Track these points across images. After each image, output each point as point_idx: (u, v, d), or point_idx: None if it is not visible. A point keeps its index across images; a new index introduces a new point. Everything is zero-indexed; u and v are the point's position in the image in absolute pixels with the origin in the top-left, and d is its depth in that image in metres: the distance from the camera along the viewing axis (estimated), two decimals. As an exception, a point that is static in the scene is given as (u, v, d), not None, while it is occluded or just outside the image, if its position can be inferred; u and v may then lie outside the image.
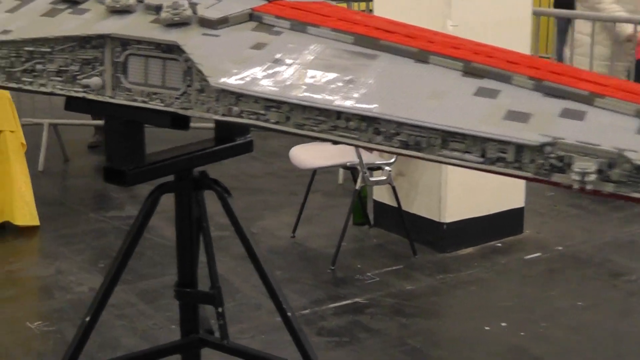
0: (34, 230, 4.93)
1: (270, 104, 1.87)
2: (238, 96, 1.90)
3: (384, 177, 4.45)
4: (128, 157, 2.36)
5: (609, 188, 1.54)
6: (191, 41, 2.05)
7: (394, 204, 4.79)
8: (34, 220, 4.92)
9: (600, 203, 5.57)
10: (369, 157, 4.41)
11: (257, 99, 1.88)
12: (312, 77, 1.90)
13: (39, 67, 2.18)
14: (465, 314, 3.95)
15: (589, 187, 1.54)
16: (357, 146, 1.88)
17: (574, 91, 1.70)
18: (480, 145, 1.70)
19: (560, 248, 4.80)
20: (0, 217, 4.89)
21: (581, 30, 6.06)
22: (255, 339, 3.57)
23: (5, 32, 2.20)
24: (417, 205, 4.69)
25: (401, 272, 4.38)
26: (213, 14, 2.11)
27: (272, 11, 2.15)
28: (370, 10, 6.24)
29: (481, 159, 1.71)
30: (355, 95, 1.83)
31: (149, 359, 2.83)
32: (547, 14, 6.96)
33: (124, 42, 2.12)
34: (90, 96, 2.18)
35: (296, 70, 1.93)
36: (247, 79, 1.91)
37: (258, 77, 1.91)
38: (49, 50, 2.17)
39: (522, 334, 3.74)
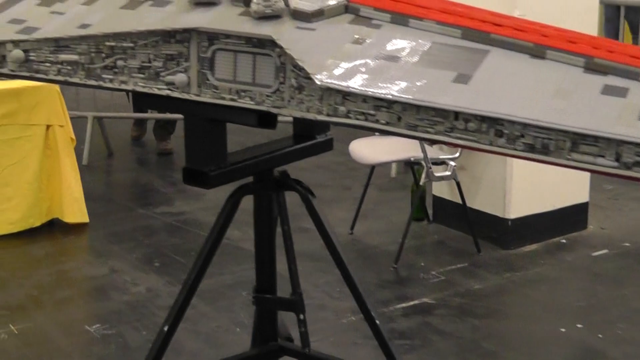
0: (83, 228, 4.83)
1: (381, 103, 1.74)
2: (345, 95, 1.77)
3: (449, 173, 4.31)
4: (209, 157, 2.24)
5: None
6: (286, 35, 1.91)
7: (454, 199, 4.67)
8: (84, 217, 4.83)
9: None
10: (432, 152, 4.28)
11: (365, 98, 1.75)
12: (422, 74, 1.77)
13: (120, 63, 2.06)
14: (538, 314, 3.80)
15: None
16: (476, 149, 1.73)
17: None
18: (615, 148, 1.56)
19: (627, 244, 4.64)
20: (50, 214, 4.80)
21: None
22: (323, 342, 3.44)
23: (84, 26, 2.07)
24: (480, 201, 4.55)
25: (466, 270, 4.24)
26: (307, 6, 1.97)
27: (368, 2, 2.01)
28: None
29: (616, 163, 1.57)
30: (472, 94, 1.70)
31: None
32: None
33: (212, 37, 1.99)
34: (175, 94, 2.06)
35: (405, 67, 1.79)
36: (353, 76, 1.78)
37: (364, 75, 1.78)
38: (131, 45, 2.05)
39: (599, 336, 3.59)
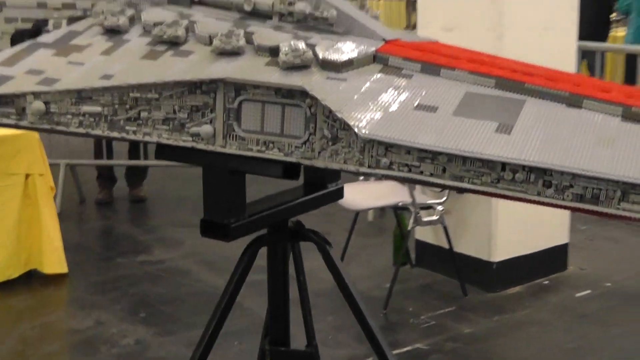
0: (62, 278, 4.70)
1: (425, 154, 1.70)
2: (388, 146, 1.73)
3: (436, 217, 4.29)
4: (230, 209, 2.18)
5: None
6: (318, 86, 1.87)
7: (438, 243, 4.66)
8: (63, 268, 4.70)
9: (633, 234, 5.47)
10: (419, 197, 4.26)
11: (409, 150, 1.71)
12: (463, 124, 1.74)
13: (144, 114, 2.00)
14: (533, 356, 3.79)
15: None
16: (523, 200, 1.70)
17: None
18: None
19: (608, 284, 4.66)
20: (28, 265, 4.66)
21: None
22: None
23: (107, 76, 2.01)
24: (465, 244, 4.54)
25: (455, 314, 4.21)
26: (336, 56, 1.94)
27: (395, 52, 1.99)
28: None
29: None
30: (517, 144, 1.67)
31: None
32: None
33: (239, 87, 1.94)
34: (200, 146, 2.00)
35: (444, 117, 1.76)
36: (395, 127, 1.74)
37: (406, 125, 1.74)
38: (156, 96, 1.99)
39: (595, 378, 3.59)
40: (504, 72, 1.90)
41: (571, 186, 1.62)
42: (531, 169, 1.64)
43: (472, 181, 1.69)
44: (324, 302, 4.27)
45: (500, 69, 1.93)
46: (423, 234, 4.80)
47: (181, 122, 1.99)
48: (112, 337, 3.96)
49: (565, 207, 1.67)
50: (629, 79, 7.01)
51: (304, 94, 1.88)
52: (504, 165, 1.66)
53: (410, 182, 1.79)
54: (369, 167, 1.76)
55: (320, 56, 1.93)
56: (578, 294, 4.52)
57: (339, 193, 2.55)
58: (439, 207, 4.29)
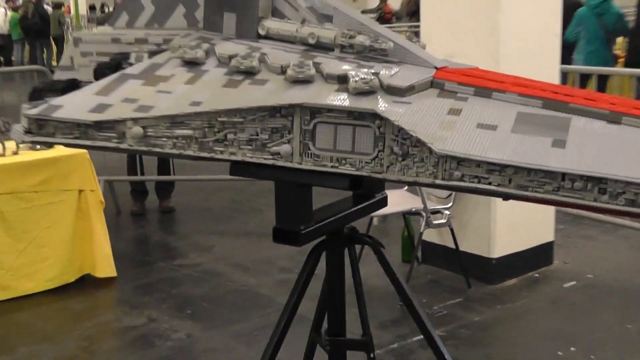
0: (111, 282, 4.66)
1: (494, 167, 1.70)
2: (460, 161, 1.72)
3: (444, 221, 4.29)
4: (299, 218, 2.16)
5: None
6: (388, 108, 1.86)
7: (443, 243, 4.65)
8: (113, 272, 4.66)
9: (606, 233, 5.48)
10: (429, 204, 4.26)
11: (479, 163, 1.70)
12: (523, 140, 1.73)
13: (230, 136, 1.98)
14: (537, 340, 3.79)
15: None
16: (579, 206, 1.69)
17: None
18: None
19: (590, 276, 4.68)
20: (82, 271, 4.62)
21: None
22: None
23: (195, 103, 2.00)
24: (468, 243, 4.53)
25: (463, 305, 4.21)
26: (399, 82, 1.93)
27: (448, 78, 1.99)
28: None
29: None
30: (573, 156, 1.67)
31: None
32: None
33: (314, 111, 1.93)
34: (280, 163, 1.98)
35: (504, 134, 1.76)
36: (464, 143, 1.73)
37: (474, 142, 1.74)
38: (240, 120, 1.97)
39: (592, 357, 3.59)
40: (547, 94, 1.91)
41: (624, 192, 1.62)
42: (589, 178, 1.63)
43: (535, 190, 1.69)
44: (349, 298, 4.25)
45: (543, 91, 1.93)
46: (428, 235, 4.78)
47: (263, 143, 1.98)
48: (165, 332, 3.93)
49: (618, 212, 1.67)
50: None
51: (374, 115, 1.87)
52: (563, 176, 1.65)
53: (477, 193, 1.77)
54: (443, 179, 1.76)
55: (385, 83, 1.92)
56: (565, 285, 4.52)
57: (385, 201, 2.53)
58: (447, 212, 4.29)
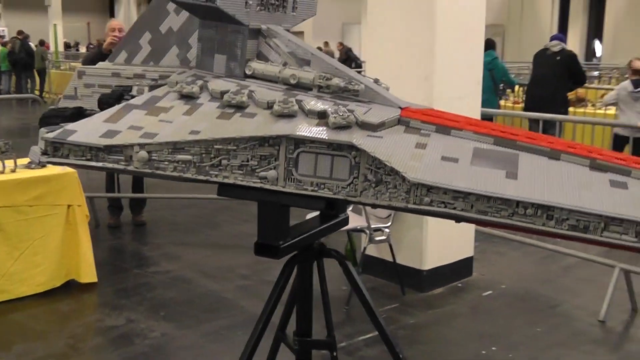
0: (93, 286, 4.49)
1: (458, 194, 1.69)
2: (429, 188, 1.70)
3: (384, 237, 4.27)
4: (278, 234, 2.10)
5: None
6: (362, 141, 1.83)
7: (380, 256, 4.63)
8: (94, 278, 4.49)
9: (514, 250, 5.56)
10: (372, 222, 4.23)
11: (446, 190, 1.69)
12: (481, 172, 1.73)
13: (224, 162, 1.93)
14: (464, 340, 3.80)
15: None
16: (530, 230, 1.68)
17: None
18: (634, 228, 1.56)
19: (503, 286, 4.73)
20: (68, 276, 4.45)
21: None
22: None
23: (194, 132, 1.94)
24: (402, 257, 4.53)
25: (399, 309, 4.20)
26: (372, 119, 1.91)
27: (413, 116, 1.98)
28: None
29: (635, 239, 1.57)
30: (524, 187, 1.67)
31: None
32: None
33: (298, 142, 1.89)
34: (267, 186, 1.93)
35: (465, 166, 1.75)
36: (432, 173, 1.72)
37: (440, 172, 1.72)
38: (234, 148, 1.92)
39: (510, 355, 3.61)
40: (497, 132, 1.91)
41: (567, 219, 1.62)
42: (539, 206, 1.63)
43: (493, 215, 1.68)
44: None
45: (492, 130, 1.94)
46: (368, 250, 4.76)
47: (252, 168, 1.93)
48: (143, 332, 3.80)
49: (561, 236, 1.67)
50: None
51: (351, 147, 1.85)
52: (517, 203, 1.65)
53: (441, 216, 1.75)
54: (414, 204, 1.74)
55: (360, 119, 1.90)
56: (484, 294, 4.56)
57: (347, 220, 2.50)
58: (387, 230, 4.28)
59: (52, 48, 22.72)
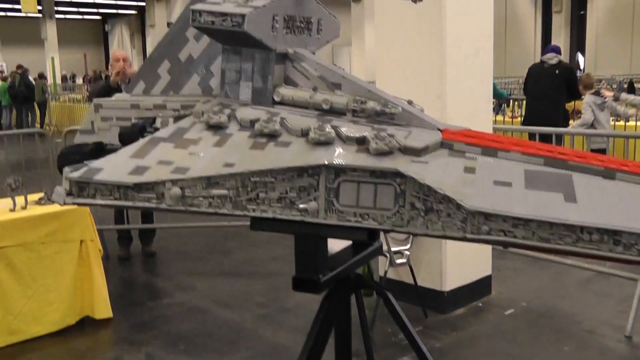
0: (108, 322, 4.32)
1: (518, 222, 1.55)
2: (487, 216, 1.57)
3: (405, 260, 4.13)
4: (318, 267, 1.96)
5: None
6: (409, 168, 1.70)
7: (397, 278, 4.49)
8: (109, 313, 4.32)
9: (529, 265, 5.43)
10: (391, 245, 4.10)
11: (505, 218, 1.55)
12: (538, 196, 1.60)
13: (262, 195, 1.79)
14: (493, 364, 3.64)
15: None
16: (594, 257, 1.55)
17: None
18: None
19: (524, 304, 4.58)
20: (82, 313, 4.28)
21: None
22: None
23: (229, 165, 1.80)
24: (422, 278, 4.39)
25: (423, 332, 4.04)
26: (415, 143, 1.78)
27: (455, 139, 1.85)
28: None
29: None
30: (588, 210, 1.54)
31: None
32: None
33: (338, 170, 1.76)
34: (307, 219, 1.79)
35: (520, 190, 1.62)
36: (489, 199, 1.58)
37: (496, 198, 1.59)
38: (272, 180, 1.78)
39: (542, 377, 3.46)
40: (544, 152, 1.78)
41: (636, 244, 1.49)
42: (605, 231, 1.50)
43: (556, 242, 1.54)
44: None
45: (539, 150, 1.81)
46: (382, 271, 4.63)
47: (291, 200, 1.79)
48: (164, 368, 3.63)
49: (630, 262, 1.54)
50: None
51: (396, 174, 1.71)
52: (582, 229, 1.52)
53: (500, 245, 1.61)
54: (472, 233, 1.60)
55: (402, 144, 1.77)
56: (506, 313, 4.41)
57: (381, 248, 2.37)
58: (406, 252, 4.14)
59: (50, 80, 22.67)
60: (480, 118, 4.41)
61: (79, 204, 1.85)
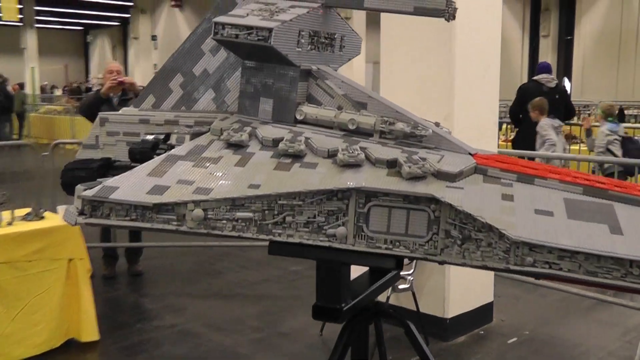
0: (95, 345, 4.18)
1: (564, 253, 1.50)
2: (531, 247, 1.52)
3: (408, 286, 4.07)
4: (341, 296, 1.89)
5: None
6: (445, 193, 1.65)
7: (398, 304, 4.42)
8: (96, 335, 4.19)
9: (528, 292, 5.39)
10: (394, 269, 4.03)
11: (551, 249, 1.50)
12: (582, 227, 1.55)
13: (289, 219, 1.72)
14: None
15: None
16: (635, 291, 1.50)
17: None
18: None
19: (527, 332, 4.53)
20: (67, 335, 4.14)
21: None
22: None
23: (254, 186, 1.73)
24: (424, 305, 4.32)
25: (426, 362, 3.95)
26: (450, 168, 1.73)
27: (489, 164, 1.80)
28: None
29: None
30: (635, 243, 1.49)
31: None
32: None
33: (370, 194, 1.70)
34: (335, 245, 1.73)
35: (564, 221, 1.57)
36: (531, 230, 1.53)
37: (539, 228, 1.54)
38: (299, 203, 1.72)
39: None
40: (582, 181, 1.75)
41: None
42: None
43: (604, 276, 1.49)
44: (319, 356, 3.96)
45: (575, 178, 1.77)
46: (384, 297, 4.55)
47: (319, 225, 1.73)
48: (156, 396, 3.51)
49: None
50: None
51: (430, 199, 1.66)
52: (631, 262, 1.47)
53: (543, 277, 1.56)
54: (516, 264, 1.54)
55: (436, 168, 1.72)
56: (509, 341, 4.36)
57: (399, 275, 2.31)
58: (410, 277, 4.08)
59: (29, 91, 22.44)
60: (487, 140, 4.39)
61: (92, 225, 1.77)
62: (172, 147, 2.03)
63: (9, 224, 3.93)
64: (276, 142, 1.89)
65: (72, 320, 4.12)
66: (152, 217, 1.70)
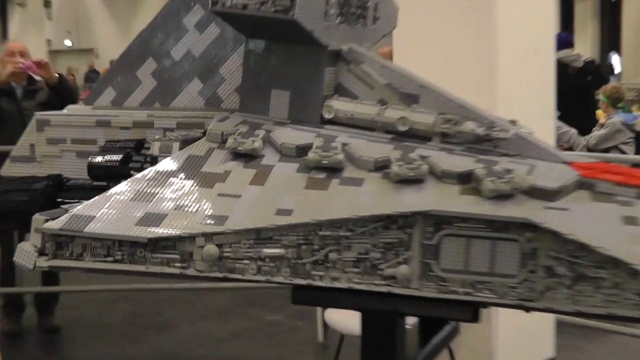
0: None
1: None
2: None
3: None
4: (396, 356, 1.92)
5: None
6: (544, 217, 1.69)
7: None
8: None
9: (593, 342, 5.48)
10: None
11: None
12: None
13: (332, 256, 1.74)
14: None
15: None
16: None
17: None
18: None
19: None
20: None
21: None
22: None
23: (284, 212, 1.75)
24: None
25: None
26: (545, 182, 1.77)
27: (596, 176, 1.85)
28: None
29: None
30: None
31: None
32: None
33: (442, 221, 1.73)
34: (396, 290, 1.75)
35: None
36: None
37: None
38: (347, 234, 1.74)
39: None
40: None
41: None
42: None
43: None
44: None
45: None
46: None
47: (373, 263, 1.75)
48: None
49: None
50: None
51: (525, 225, 1.69)
52: None
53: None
54: None
55: (529, 183, 1.76)
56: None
57: (458, 329, 2.35)
58: (444, 330, 4.12)
59: None
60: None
61: (56, 269, 1.77)
62: (154, 159, 2.03)
63: None
64: (302, 150, 1.91)
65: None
66: (145, 257, 1.71)
